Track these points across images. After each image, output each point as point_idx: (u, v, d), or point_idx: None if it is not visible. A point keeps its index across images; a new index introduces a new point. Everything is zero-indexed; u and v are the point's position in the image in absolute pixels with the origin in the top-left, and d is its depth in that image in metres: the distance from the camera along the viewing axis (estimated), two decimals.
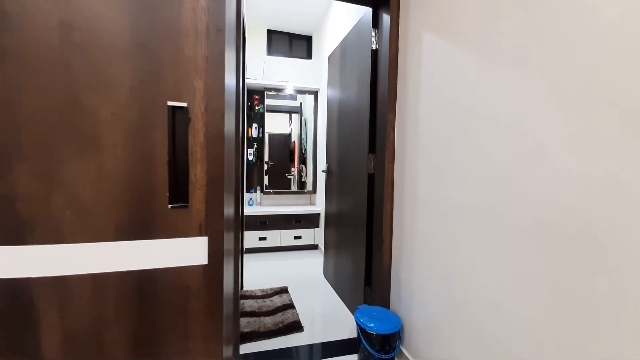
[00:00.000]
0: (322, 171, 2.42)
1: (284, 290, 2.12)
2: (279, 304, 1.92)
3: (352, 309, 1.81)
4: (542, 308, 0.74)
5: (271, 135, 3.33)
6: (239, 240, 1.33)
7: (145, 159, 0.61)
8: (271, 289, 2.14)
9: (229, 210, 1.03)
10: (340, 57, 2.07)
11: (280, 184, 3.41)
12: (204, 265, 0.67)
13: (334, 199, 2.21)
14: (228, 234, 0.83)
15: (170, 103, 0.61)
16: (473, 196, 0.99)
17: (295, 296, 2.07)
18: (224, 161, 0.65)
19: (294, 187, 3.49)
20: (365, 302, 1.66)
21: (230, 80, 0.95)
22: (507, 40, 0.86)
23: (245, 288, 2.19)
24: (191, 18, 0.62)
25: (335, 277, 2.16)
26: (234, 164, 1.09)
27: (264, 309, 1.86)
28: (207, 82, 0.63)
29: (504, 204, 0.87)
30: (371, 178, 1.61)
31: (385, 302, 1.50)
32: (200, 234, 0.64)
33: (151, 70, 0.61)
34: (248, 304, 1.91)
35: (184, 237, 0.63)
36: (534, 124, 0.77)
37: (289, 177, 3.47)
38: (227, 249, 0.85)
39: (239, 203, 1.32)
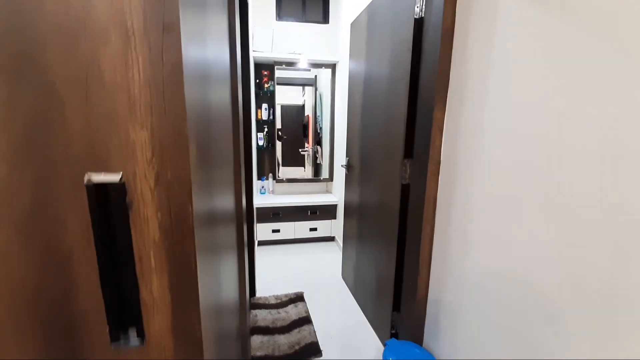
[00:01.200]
0: (342, 166, 2.11)
1: (299, 298, 1.96)
2: (294, 317, 1.76)
3: (376, 329, 1.62)
4: None
5: (283, 107, 3.01)
6: (244, 255, 1.10)
7: (57, 271, 0.34)
8: (286, 295, 1.98)
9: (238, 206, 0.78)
10: (368, 26, 1.64)
11: (293, 160, 3.15)
12: None
13: (355, 201, 1.92)
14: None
15: (88, 177, 0.33)
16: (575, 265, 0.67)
17: (312, 305, 1.90)
18: (195, 267, 0.37)
19: (307, 165, 3.23)
20: (392, 328, 1.45)
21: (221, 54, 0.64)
22: None
23: (258, 293, 2.04)
24: (112, 8, 0.30)
25: (355, 285, 1.95)
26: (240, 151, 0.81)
27: (279, 324, 1.70)
28: (157, 127, 0.33)
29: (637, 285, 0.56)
30: (405, 190, 1.30)
31: (417, 337, 1.28)
32: None
33: (39, 113, 0.31)
34: (261, 316, 1.76)
35: None
36: None
37: (302, 152, 3.19)
38: (237, 265, 0.61)
39: (241, 199, 1.06)
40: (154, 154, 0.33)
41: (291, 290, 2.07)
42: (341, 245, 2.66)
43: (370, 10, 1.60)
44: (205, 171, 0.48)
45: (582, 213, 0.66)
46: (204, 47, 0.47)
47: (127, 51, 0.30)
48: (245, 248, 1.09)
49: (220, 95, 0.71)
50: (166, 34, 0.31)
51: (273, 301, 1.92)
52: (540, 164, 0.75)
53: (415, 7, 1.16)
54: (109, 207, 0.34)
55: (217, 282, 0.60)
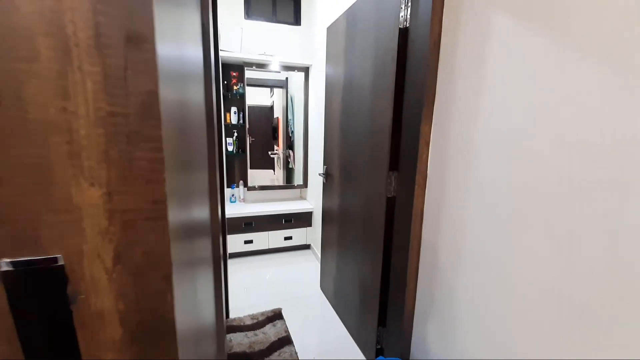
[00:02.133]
0: (319, 174, 2.03)
1: (277, 315, 1.84)
2: (273, 338, 1.64)
3: (361, 345, 1.57)
4: None
5: (251, 108, 2.84)
6: (220, 271, 0.97)
7: None
8: (262, 313, 1.85)
9: (204, 216, 0.66)
10: (347, 32, 1.58)
11: (262, 163, 2.99)
12: None
13: (334, 211, 1.86)
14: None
15: (5, 261, 0.21)
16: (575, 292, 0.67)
17: (291, 322, 1.80)
18: None
19: (277, 168, 3.10)
20: (378, 344, 1.41)
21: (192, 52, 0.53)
22: None
23: (232, 313, 1.88)
24: (43, 8, 0.19)
25: (336, 297, 1.89)
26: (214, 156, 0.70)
27: (257, 347, 1.57)
28: (116, 183, 0.22)
29: None
30: (391, 202, 1.26)
31: (405, 353, 1.25)
32: None
33: None
34: (237, 340, 1.62)
35: None
36: None
37: (272, 155, 3.05)
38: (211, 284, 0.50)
39: (217, 215, 0.94)
40: (112, 222, 0.22)
41: (268, 306, 1.94)
42: (318, 253, 2.59)
43: (349, 16, 1.54)
44: (185, 211, 0.37)
45: (582, 232, 0.65)
46: (182, 61, 0.36)
47: (66, 72, 0.19)
48: (222, 266, 0.97)
49: (195, 102, 0.59)
50: (133, 47, 0.20)
51: (249, 322, 1.78)
52: (536, 184, 0.74)
53: (400, 17, 1.13)
54: (40, 302, 0.22)
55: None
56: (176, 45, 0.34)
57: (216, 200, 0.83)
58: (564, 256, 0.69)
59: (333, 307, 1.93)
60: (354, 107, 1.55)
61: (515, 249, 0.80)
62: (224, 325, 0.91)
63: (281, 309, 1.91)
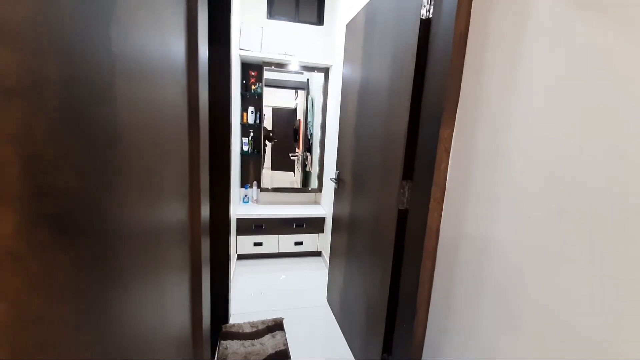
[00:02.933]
0: (331, 179, 1.93)
1: (278, 326, 1.75)
2: (270, 351, 1.54)
3: None
4: None
5: (275, 110, 2.85)
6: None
7: None
8: (263, 322, 1.77)
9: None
10: (365, 27, 1.47)
11: (283, 165, 2.98)
12: None
13: (344, 218, 1.74)
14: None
15: None
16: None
17: (292, 335, 1.70)
18: None
19: (297, 170, 3.07)
20: None
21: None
22: None
23: (232, 318, 1.82)
24: None
25: (342, 313, 1.76)
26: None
27: (252, 359, 1.48)
28: None
29: None
30: (402, 215, 1.12)
31: None
32: None
33: None
34: (233, 349, 1.54)
35: None
36: None
37: (292, 157, 3.02)
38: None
39: (199, 214, 0.87)
40: None
41: (270, 314, 1.86)
42: (327, 262, 2.47)
43: (368, 10, 1.43)
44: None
45: (633, 269, 0.49)
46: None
47: None
48: (204, 269, 0.89)
49: (167, 99, 0.52)
50: None
51: (248, 329, 1.70)
52: (582, 210, 0.58)
53: (422, 6, 1.00)
54: None
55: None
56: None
57: (198, 202, 0.75)
58: (611, 303, 0.52)
59: (338, 323, 1.80)
60: (369, 109, 1.43)
61: (549, 286, 0.64)
62: (202, 336, 0.82)
63: (283, 319, 1.81)
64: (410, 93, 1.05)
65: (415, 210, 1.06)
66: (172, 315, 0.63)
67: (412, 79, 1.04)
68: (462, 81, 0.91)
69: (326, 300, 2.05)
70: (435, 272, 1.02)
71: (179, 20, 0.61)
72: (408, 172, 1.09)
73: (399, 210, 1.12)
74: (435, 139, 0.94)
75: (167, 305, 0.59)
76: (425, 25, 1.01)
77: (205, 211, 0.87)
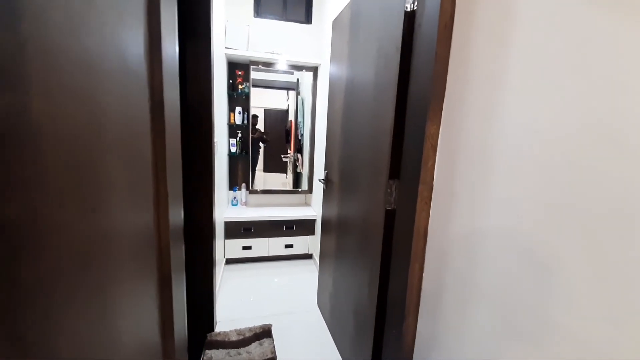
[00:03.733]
0: (319, 180, 1.87)
1: (266, 332, 1.68)
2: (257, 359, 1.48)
3: None
4: None
5: (267, 111, 2.81)
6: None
7: None
8: (250, 329, 1.70)
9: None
10: (351, 23, 1.43)
11: (276, 166, 2.93)
12: None
13: (332, 220, 1.68)
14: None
15: None
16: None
17: (280, 343, 1.63)
18: None
19: (289, 172, 3.03)
20: None
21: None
22: None
23: (218, 326, 1.74)
24: None
25: (332, 317, 1.70)
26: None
27: None
28: None
29: None
30: (390, 216, 1.08)
31: None
32: None
33: None
34: (217, 358, 1.47)
35: None
36: None
37: (284, 159, 2.98)
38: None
39: (166, 216, 0.81)
40: None
41: (259, 320, 1.79)
42: (318, 273, 2.41)
43: (353, 5, 1.39)
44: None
45: (634, 269, 0.45)
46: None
47: None
48: (177, 276, 0.83)
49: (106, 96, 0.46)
50: None
51: (234, 337, 1.63)
52: (576, 209, 0.54)
53: None
54: None
55: None
56: None
57: (165, 205, 0.69)
58: (611, 306, 0.48)
59: (329, 328, 1.75)
60: (355, 106, 1.38)
61: (542, 289, 0.60)
62: (175, 348, 0.76)
63: (271, 325, 1.74)
64: (396, 88, 1.01)
65: (402, 211, 1.01)
66: (132, 328, 0.57)
67: (397, 73, 0.99)
68: (448, 74, 0.86)
69: (317, 304, 1.99)
70: (424, 275, 0.97)
71: (137, 11, 0.55)
72: (395, 171, 1.04)
73: (387, 211, 1.08)
74: (422, 135, 0.90)
75: (124, 319, 0.53)
76: (410, 18, 0.96)
77: (176, 215, 0.81)
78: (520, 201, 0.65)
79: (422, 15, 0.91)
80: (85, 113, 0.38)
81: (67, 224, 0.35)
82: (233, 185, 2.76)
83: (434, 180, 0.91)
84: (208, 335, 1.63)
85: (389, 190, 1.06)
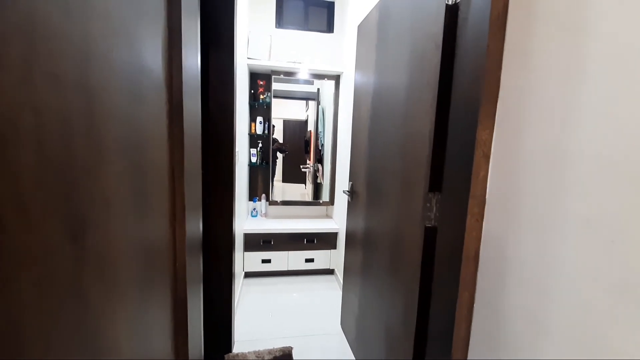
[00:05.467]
0: (344, 191, 1.77)
1: (286, 356, 1.56)
2: None
3: None
4: None
5: (286, 122, 2.79)
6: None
7: None
8: (269, 351, 1.58)
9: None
10: (379, 25, 1.35)
11: (294, 177, 2.88)
12: None
13: (358, 235, 1.56)
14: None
15: None
16: None
17: None
18: None
19: (308, 183, 2.96)
20: None
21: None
22: None
23: (235, 346, 1.64)
24: None
25: (357, 343, 1.55)
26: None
27: None
28: None
29: None
30: (430, 235, 0.94)
31: None
32: None
33: None
34: None
35: None
36: None
37: (303, 169, 2.92)
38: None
39: (183, 229, 0.74)
40: None
41: (278, 341, 1.67)
42: (341, 281, 2.27)
43: (382, 6, 1.31)
44: None
45: None
46: None
47: None
48: (193, 292, 0.74)
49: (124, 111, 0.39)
50: None
51: (252, 358, 1.52)
52: None
53: None
54: None
55: None
56: None
57: (182, 217, 0.61)
58: None
59: (354, 354, 1.59)
60: (384, 113, 1.28)
61: (636, 331, 0.45)
62: None
63: (292, 348, 1.62)
64: (436, 90, 0.90)
65: (446, 229, 0.88)
66: (143, 350, 0.48)
67: (438, 72, 0.88)
68: (503, 69, 0.74)
69: (340, 326, 1.85)
70: (475, 306, 0.82)
71: (157, 16, 0.50)
72: (435, 183, 0.92)
73: (426, 228, 0.95)
74: (471, 142, 0.77)
75: (134, 341, 0.44)
76: (452, 11, 0.86)
77: (194, 227, 0.73)
78: (606, 219, 0.51)
79: (468, 7, 0.81)
80: (95, 115, 0.31)
81: (65, 243, 0.27)
82: (252, 196, 2.71)
83: (487, 194, 0.78)
84: (226, 356, 1.53)
85: (428, 205, 0.94)
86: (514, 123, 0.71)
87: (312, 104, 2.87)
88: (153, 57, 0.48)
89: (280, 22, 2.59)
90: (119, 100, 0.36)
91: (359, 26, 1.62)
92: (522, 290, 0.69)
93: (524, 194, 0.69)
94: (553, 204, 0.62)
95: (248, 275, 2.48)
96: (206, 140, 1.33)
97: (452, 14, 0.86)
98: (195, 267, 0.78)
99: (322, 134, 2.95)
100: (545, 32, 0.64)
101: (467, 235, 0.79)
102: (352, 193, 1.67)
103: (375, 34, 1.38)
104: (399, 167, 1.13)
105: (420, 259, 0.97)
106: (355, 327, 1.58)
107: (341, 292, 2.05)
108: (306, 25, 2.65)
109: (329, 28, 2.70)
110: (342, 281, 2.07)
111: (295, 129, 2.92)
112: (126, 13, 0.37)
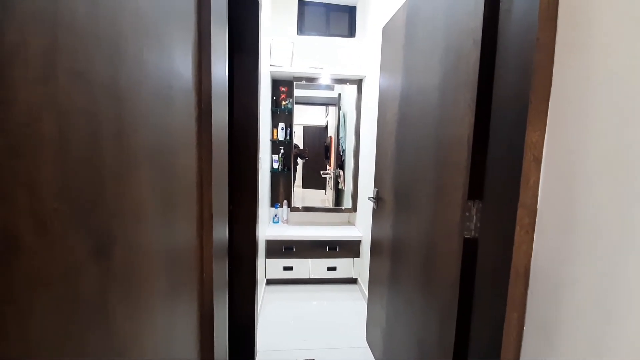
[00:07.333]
0: (369, 198, 1.70)
1: None
2: None
3: None
4: None
5: (305, 128, 2.80)
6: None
7: None
8: None
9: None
10: (407, 24, 1.29)
11: (314, 182, 2.86)
12: None
13: (385, 244, 1.49)
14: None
15: None
16: None
17: None
18: None
19: (329, 189, 2.93)
20: None
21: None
22: None
23: (258, 356, 1.61)
24: None
25: (385, 358, 1.47)
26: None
27: None
28: None
29: None
30: (470, 247, 0.86)
31: None
32: None
33: None
34: None
35: None
36: None
37: (324, 175, 2.89)
38: None
39: (210, 236, 0.71)
40: None
41: (302, 353, 1.62)
42: (365, 291, 2.18)
43: (411, 5, 1.26)
44: None
45: None
46: None
47: None
48: (219, 299, 0.72)
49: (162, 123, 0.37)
50: None
51: None
52: None
53: None
54: None
55: None
56: None
57: (210, 222, 0.59)
58: None
59: None
60: (413, 115, 1.21)
61: None
62: None
63: None
64: (475, 89, 0.83)
65: (489, 241, 0.80)
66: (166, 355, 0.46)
67: (477, 70, 0.82)
68: (555, 64, 0.67)
69: (365, 339, 1.76)
70: (524, 329, 0.73)
71: (186, 31, 0.49)
72: (476, 190, 0.84)
73: (465, 240, 0.87)
74: (519, 144, 0.70)
75: (155, 354, 0.41)
76: (492, 3, 0.79)
77: (221, 234, 0.71)
78: None
79: (509, 4, 0.74)
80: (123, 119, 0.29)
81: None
82: (274, 202, 2.71)
83: (539, 203, 0.70)
84: None
85: (467, 214, 0.86)
86: (569, 123, 0.63)
87: (332, 109, 2.85)
88: (183, 60, 0.47)
89: (302, 28, 2.61)
90: (149, 103, 0.35)
91: (383, 28, 1.58)
92: (581, 312, 0.59)
93: (584, 202, 0.60)
94: (619, 216, 0.53)
95: (270, 282, 2.46)
96: (231, 146, 1.33)
97: (492, 7, 0.80)
98: (221, 276, 0.76)
99: (343, 139, 2.91)
100: (606, 22, 0.56)
101: (515, 249, 0.71)
102: (377, 200, 1.60)
103: (403, 35, 1.33)
104: (432, 172, 1.06)
105: (458, 273, 0.88)
106: (383, 342, 1.50)
107: (365, 303, 1.97)
108: (327, 30, 2.65)
109: (351, 32, 2.68)
110: (366, 292, 1.99)
111: (315, 134, 2.92)
112: (157, 13, 0.35)
